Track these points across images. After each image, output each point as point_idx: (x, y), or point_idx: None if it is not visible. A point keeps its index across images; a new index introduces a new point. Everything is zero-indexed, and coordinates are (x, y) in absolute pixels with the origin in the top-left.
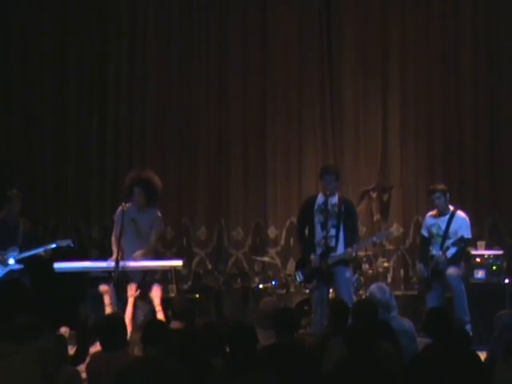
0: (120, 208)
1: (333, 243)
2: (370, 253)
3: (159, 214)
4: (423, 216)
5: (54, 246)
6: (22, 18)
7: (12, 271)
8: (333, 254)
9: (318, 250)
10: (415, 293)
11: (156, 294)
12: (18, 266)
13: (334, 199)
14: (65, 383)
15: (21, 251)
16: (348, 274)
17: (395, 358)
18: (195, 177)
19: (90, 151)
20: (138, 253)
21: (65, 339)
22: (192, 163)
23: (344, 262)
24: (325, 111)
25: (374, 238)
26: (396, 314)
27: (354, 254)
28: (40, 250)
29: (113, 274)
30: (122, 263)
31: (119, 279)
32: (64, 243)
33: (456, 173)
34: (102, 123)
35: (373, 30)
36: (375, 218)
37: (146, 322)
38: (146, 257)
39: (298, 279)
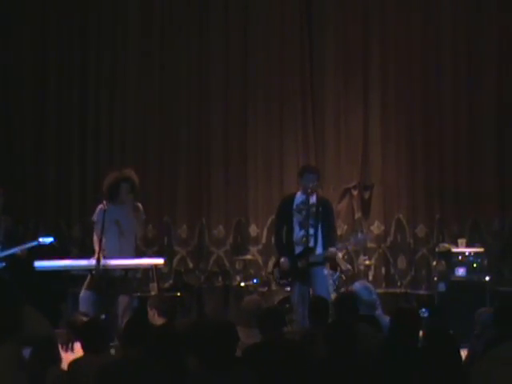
0: (100, 206)
1: (312, 243)
2: (350, 248)
3: (139, 205)
4: (404, 214)
5: (35, 243)
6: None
7: None
8: (318, 253)
9: (298, 249)
10: (396, 290)
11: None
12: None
13: (313, 199)
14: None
15: (2, 249)
16: (325, 272)
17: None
18: (176, 175)
19: (71, 150)
20: None
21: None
22: (173, 162)
23: (320, 262)
24: (306, 110)
25: (352, 240)
26: (380, 312)
27: (336, 252)
28: (22, 248)
29: (93, 272)
30: (103, 261)
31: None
32: (46, 241)
33: (437, 172)
34: (82, 122)
35: (354, 30)
36: (356, 216)
37: (127, 322)
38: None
39: (276, 276)
